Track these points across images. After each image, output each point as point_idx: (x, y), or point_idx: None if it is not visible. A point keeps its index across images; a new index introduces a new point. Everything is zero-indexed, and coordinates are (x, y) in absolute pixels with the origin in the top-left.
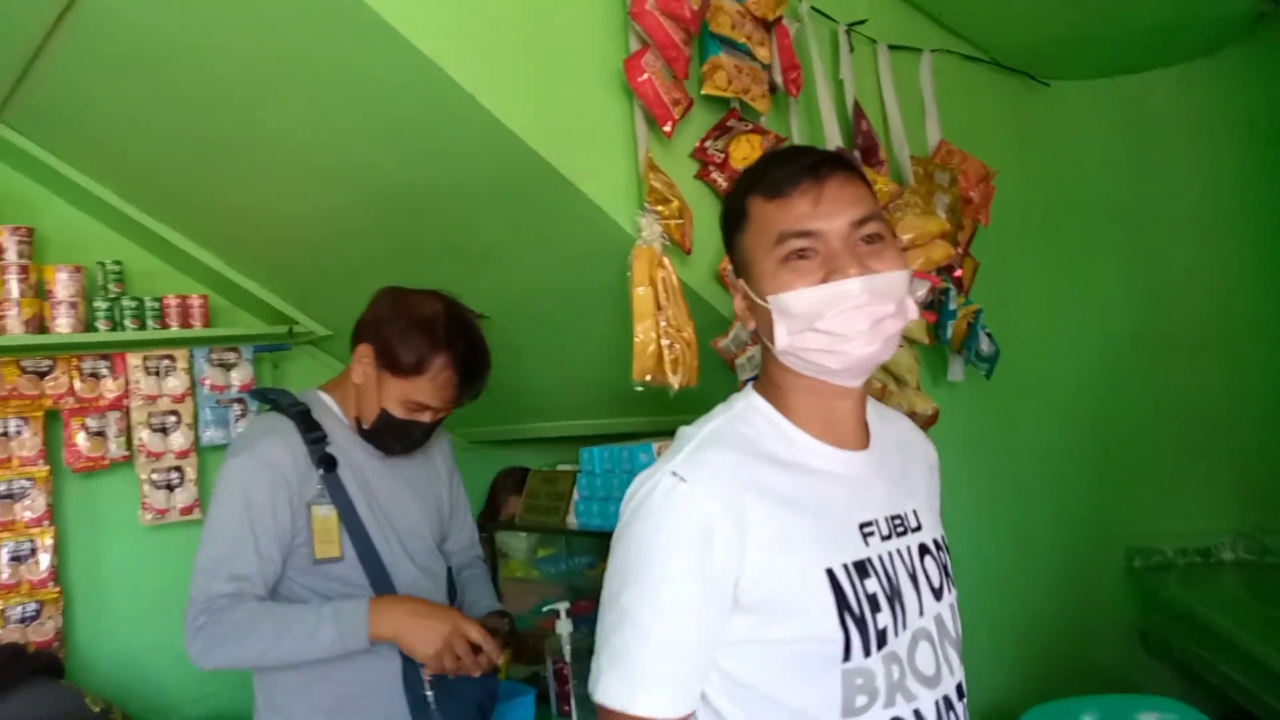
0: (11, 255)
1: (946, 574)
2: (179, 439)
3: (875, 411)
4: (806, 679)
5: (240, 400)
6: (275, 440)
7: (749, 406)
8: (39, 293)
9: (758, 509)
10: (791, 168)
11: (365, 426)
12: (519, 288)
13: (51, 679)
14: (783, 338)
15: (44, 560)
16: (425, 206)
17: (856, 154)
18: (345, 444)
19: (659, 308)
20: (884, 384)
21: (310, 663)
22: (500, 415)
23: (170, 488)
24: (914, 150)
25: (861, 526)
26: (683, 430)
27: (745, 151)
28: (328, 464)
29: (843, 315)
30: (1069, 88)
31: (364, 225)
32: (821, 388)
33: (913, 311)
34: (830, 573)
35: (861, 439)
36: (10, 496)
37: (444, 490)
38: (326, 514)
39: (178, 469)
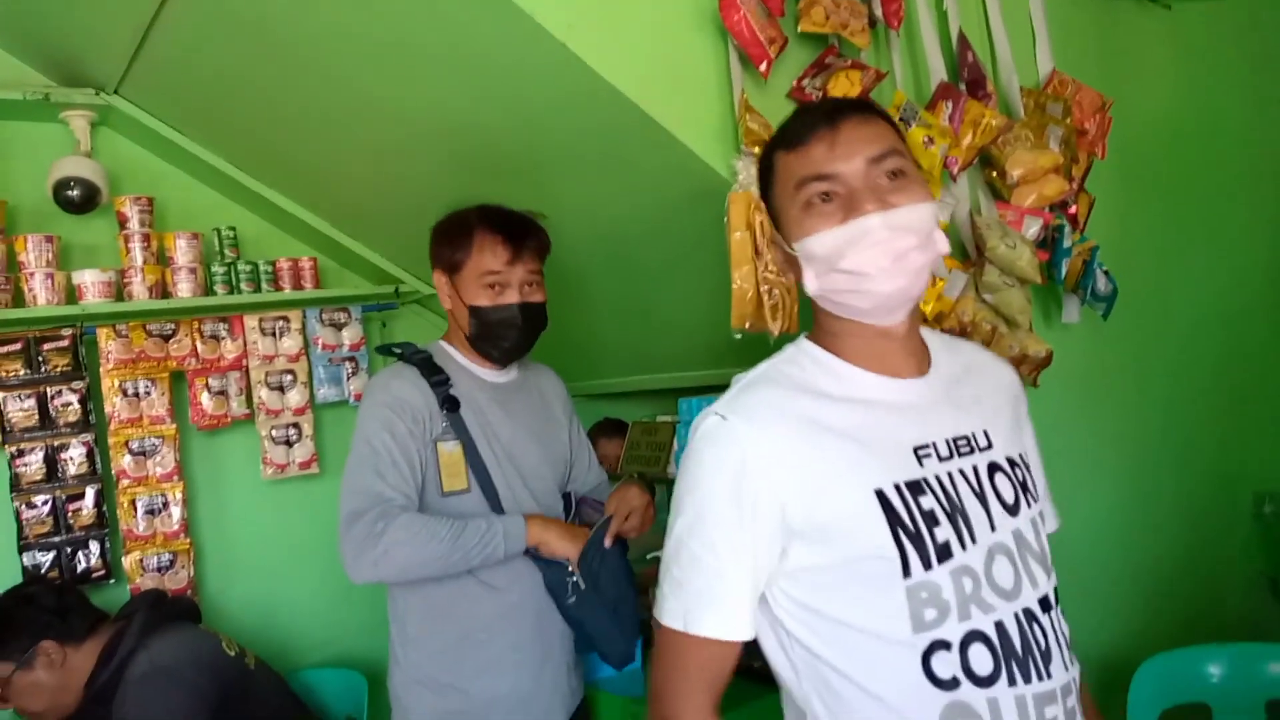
0: (134, 224)
1: (1024, 490)
2: (295, 397)
3: (941, 340)
4: (870, 598)
5: (352, 359)
6: (403, 383)
7: (798, 350)
8: (160, 259)
9: (802, 440)
10: (809, 117)
11: (471, 339)
12: (613, 240)
13: (191, 622)
14: (811, 282)
15: (175, 513)
16: (520, 163)
17: (962, 87)
18: (467, 388)
19: (757, 253)
20: (994, 325)
21: (444, 594)
22: (597, 369)
23: (289, 443)
24: (1024, 81)
25: (916, 449)
26: (736, 377)
27: (845, 88)
28: (451, 405)
29: (863, 253)
30: (1191, 10)
31: (461, 183)
32: (863, 329)
33: (942, 244)
34: (880, 493)
35: (917, 367)
36: (143, 453)
37: (563, 434)
38: (452, 450)
39: (295, 425)
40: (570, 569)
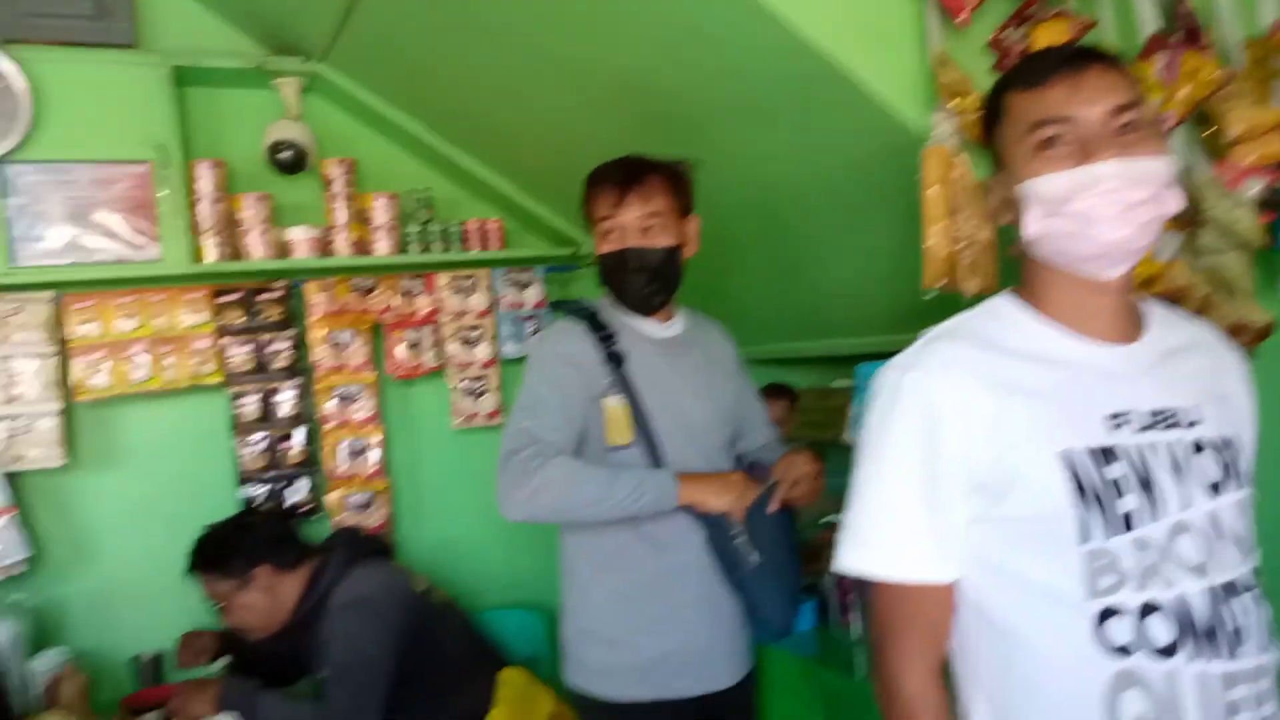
0: (339, 185)
1: (1232, 472)
2: (483, 351)
3: (1165, 313)
4: (1046, 556)
5: (533, 317)
6: (570, 337)
7: (992, 306)
8: (361, 219)
9: (985, 396)
10: (1050, 59)
11: (602, 282)
12: (788, 200)
13: (385, 558)
14: (1032, 224)
15: (373, 456)
16: (704, 120)
17: (1177, 37)
18: (632, 343)
19: (953, 209)
20: (1208, 292)
21: (612, 548)
22: (763, 334)
23: (476, 395)
24: (1245, 31)
25: (1113, 416)
26: (925, 331)
27: (1049, 39)
28: (616, 360)
29: (1093, 199)
30: None
31: (639, 144)
32: (1077, 282)
33: (1173, 203)
34: (1066, 455)
35: (1125, 333)
36: (346, 399)
37: (731, 390)
38: (616, 404)
39: (482, 378)
40: (733, 532)
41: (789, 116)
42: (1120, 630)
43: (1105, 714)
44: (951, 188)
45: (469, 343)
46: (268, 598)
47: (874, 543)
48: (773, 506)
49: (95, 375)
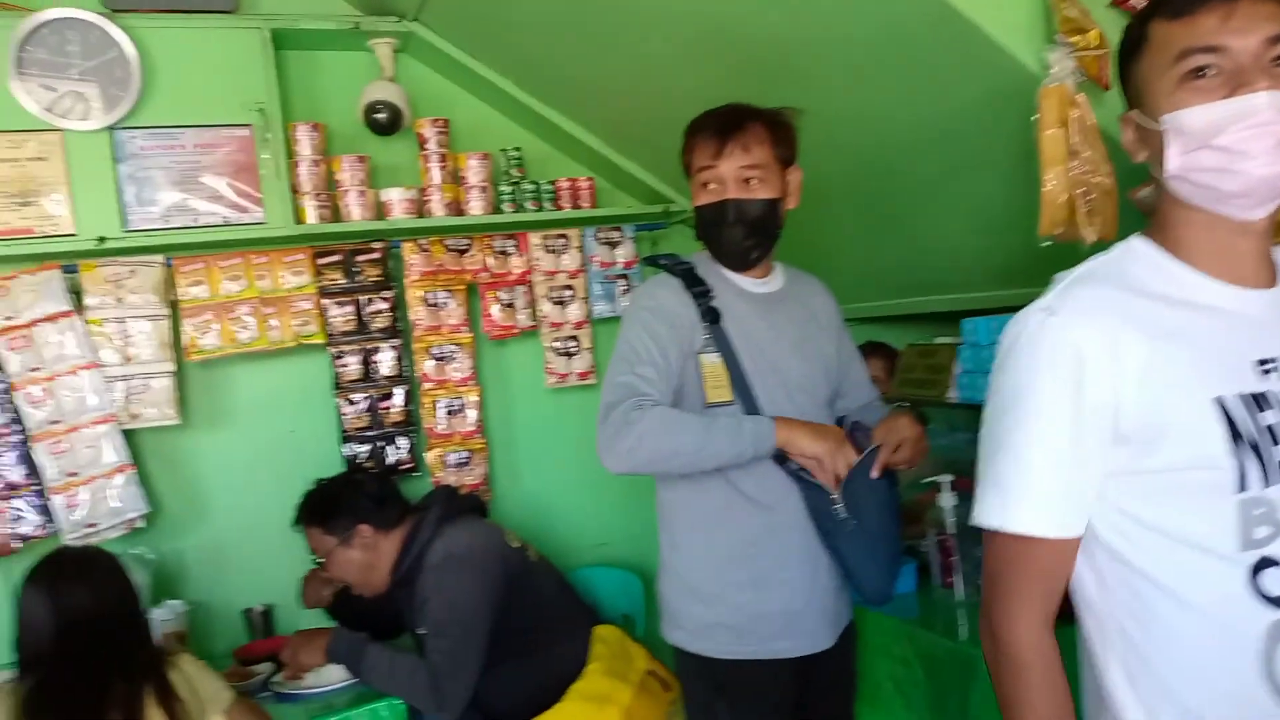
0: (433, 145)
1: None
2: (575, 311)
3: None
4: (1196, 508)
5: (624, 276)
6: (667, 292)
7: (1128, 249)
8: (455, 179)
9: (1135, 340)
10: None
11: (699, 235)
12: (896, 149)
13: (479, 516)
14: (1174, 159)
15: (470, 415)
16: (803, 67)
17: None
18: (729, 299)
19: (1072, 152)
20: None
21: (711, 506)
22: (864, 290)
23: (569, 355)
24: None
25: (1261, 362)
26: (1057, 276)
27: None
28: (712, 316)
29: (1244, 132)
30: None
31: (739, 97)
32: (1217, 222)
33: None
34: (1220, 402)
35: (1267, 277)
36: (443, 358)
37: (830, 347)
38: (714, 361)
39: (574, 338)
40: (833, 496)
41: (894, 60)
42: (1277, 581)
43: (1261, 666)
44: (1071, 129)
45: (561, 302)
46: (366, 556)
47: (1016, 497)
48: (875, 472)
49: (205, 336)
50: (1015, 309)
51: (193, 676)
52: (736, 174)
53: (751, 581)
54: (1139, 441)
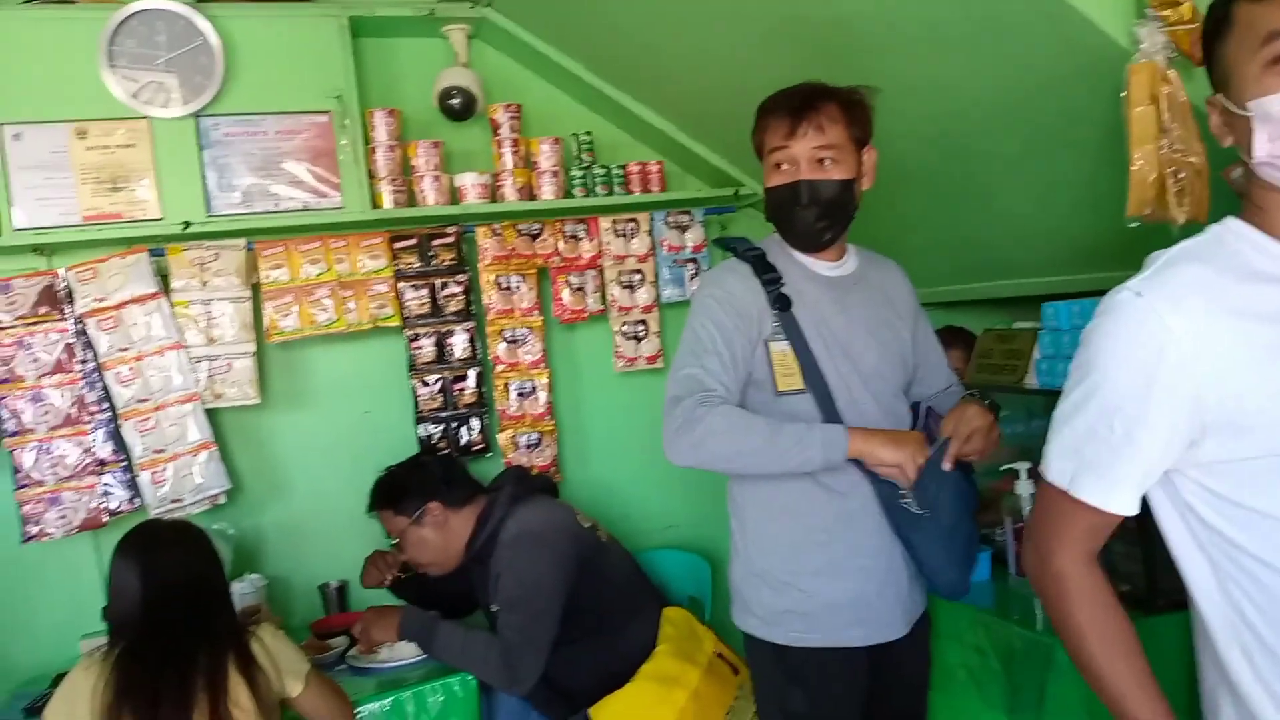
0: (505, 130)
1: None
2: (643, 295)
3: None
4: None
5: (693, 260)
6: (735, 279)
7: (1225, 229)
8: (527, 163)
9: (1228, 327)
10: None
11: (770, 217)
12: (974, 131)
13: (550, 496)
14: (1262, 146)
15: (541, 397)
16: (881, 42)
17: None
18: (802, 285)
19: (1162, 130)
20: None
21: (783, 494)
22: (943, 275)
23: (637, 339)
24: None
25: None
26: (1151, 256)
27: None
28: (782, 303)
29: None
30: None
31: (813, 74)
32: None
33: None
34: None
35: None
36: (515, 342)
37: (906, 333)
38: (784, 349)
39: (643, 322)
40: (901, 492)
41: (976, 35)
42: None
43: None
44: (1161, 106)
45: (630, 287)
46: (439, 534)
47: (1082, 466)
48: (947, 464)
49: (285, 318)
50: (1098, 293)
51: (272, 647)
52: (810, 154)
53: (824, 569)
54: (1231, 432)
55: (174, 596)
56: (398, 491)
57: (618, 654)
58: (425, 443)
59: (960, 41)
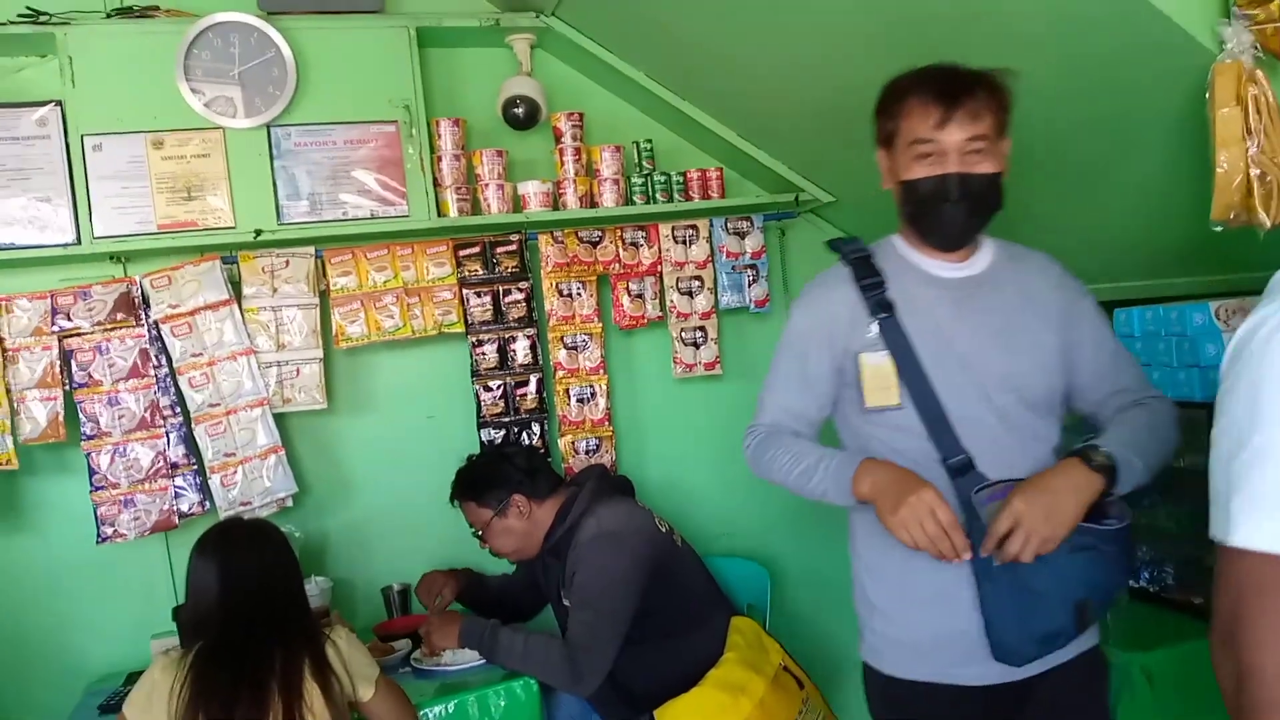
0: (568, 139)
1: None
2: (702, 302)
3: None
4: None
5: (753, 267)
6: (822, 292)
7: None
8: (588, 171)
9: None
10: None
11: (908, 219)
12: (1057, 130)
13: (630, 497)
14: None
15: (601, 403)
16: (956, 46)
17: None
18: (914, 290)
19: (1248, 132)
20: None
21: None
22: None
23: (696, 345)
24: None
25: None
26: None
27: None
28: (883, 308)
29: None
30: None
31: (890, 75)
32: None
33: None
34: None
35: None
36: (574, 347)
37: (1050, 336)
38: (878, 362)
39: (701, 329)
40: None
41: (1058, 37)
42: None
43: None
44: (1247, 108)
45: (689, 293)
46: (523, 524)
47: (1264, 514)
48: (985, 550)
49: (352, 324)
50: (1174, 299)
51: (345, 651)
52: (961, 145)
53: (932, 598)
54: None
55: (251, 597)
56: (481, 483)
57: (685, 658)
58: (505, 439)
59: (1038, 40)
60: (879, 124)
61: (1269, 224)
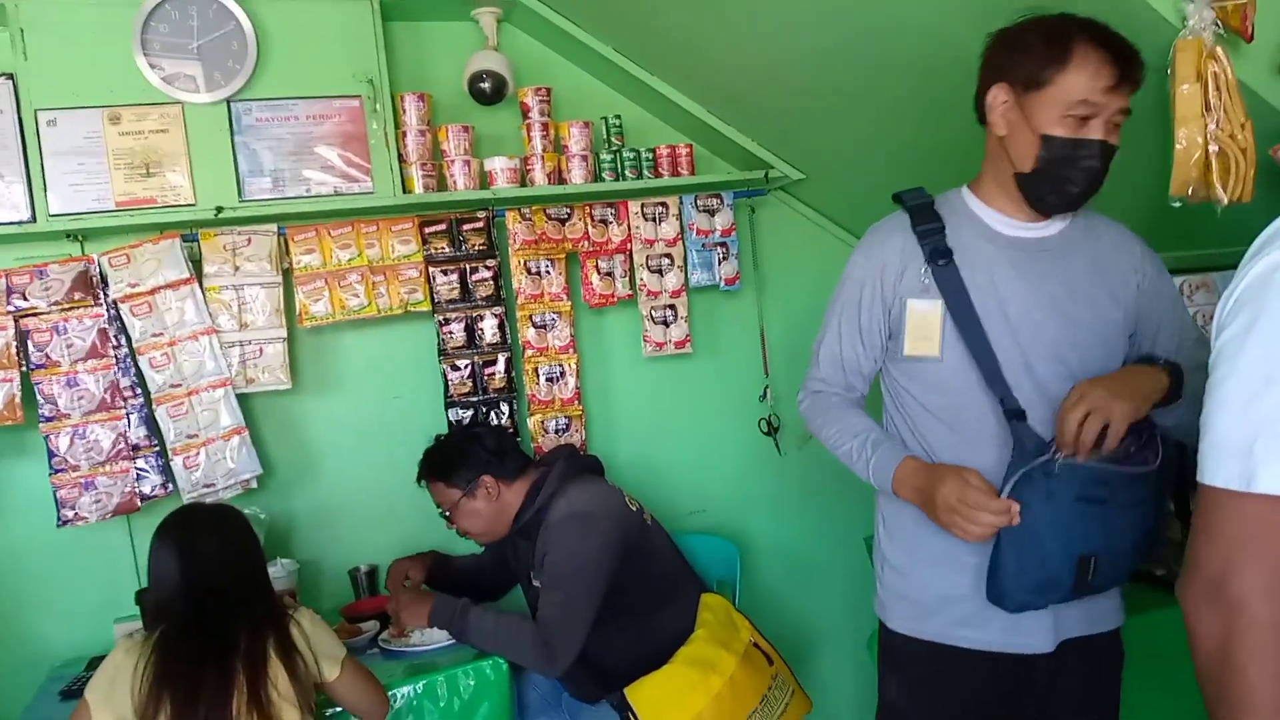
0: (535, 114)
1: None
2: (672, 280)
3: None
4: None
5: (723, 244)
6: (879, 237)
7: None
8: (556, 147)
9: None
10: None
11: (1027, 176)
12: None
13: (599, 476)
14: None
15: (570, 382)
16: (915, 23)
17: None
18: (975, 243)
19: (1208, 109)
20: None
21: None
22: None
23: (666, 324)
24: None
25: None
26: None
27: None
28: (939, 256)
29: None
30: None
31: (859, 52)
32: None
33: None
34: None
35: None
36: (543, 326)
37: (1115, 313)
38: (925, 309)
39: (671, 307)
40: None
41: (1017, 9)
42: None
43: None
44: (1207, 84)
45: (659, 271)
46: (491, 506)
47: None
48: (1063, 449)
49: (316, 303)
50: None
51: (310, 632)
52: (1113, 114)
53: (941, 558)
54: None
55: (215, 580)
56: (449, 464)
57: (655, 636)
58: (472, 420)
59: (1001, 9)
60: (1017, 61)
61: (1226, 200)
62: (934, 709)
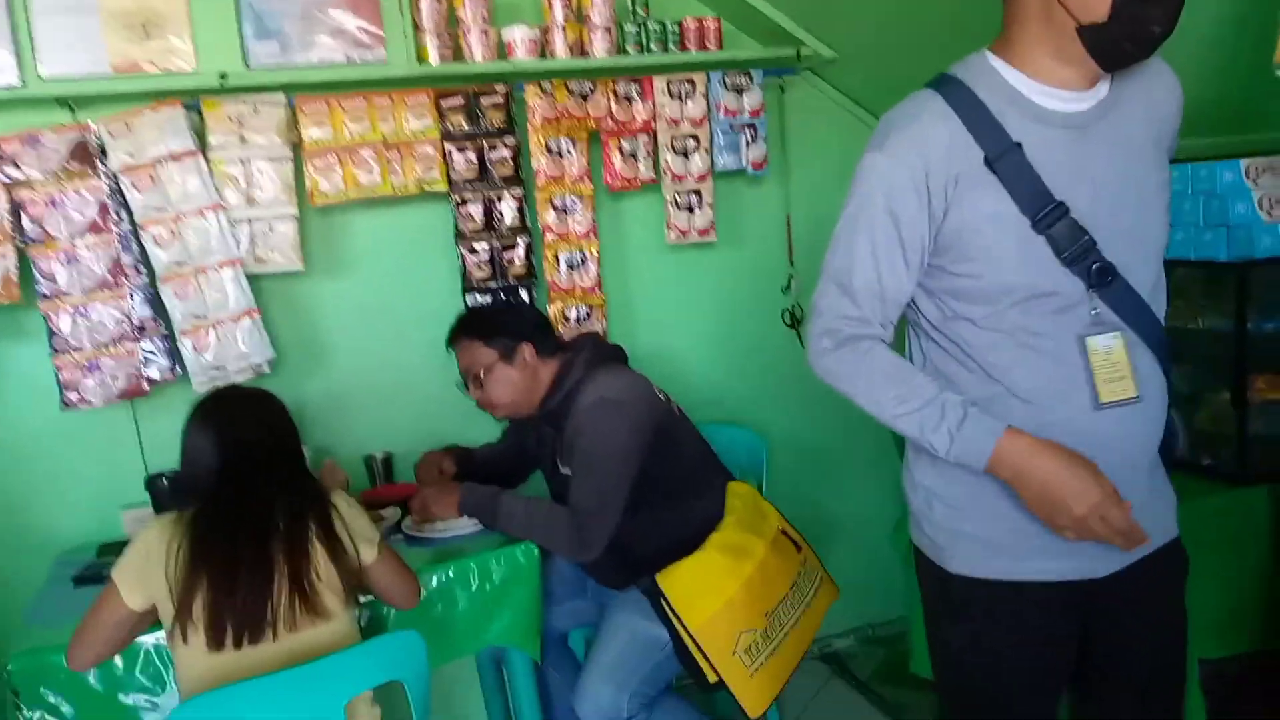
0: None
1: None
2: (697, 163)
3: None
4: None
5: (751, 125)
6: (913, 130)
7: None
8: (578, 16)
9: None
10: None
11: (1102, 23)
12: None
13: (625, 365)
14: None
15: (591, 269)
16: None
17: None
18: (1019, 125)
19: None
20: None
21: (969, 399)
22: None
23: (690, 210)
24: None
25: None
26: None
27: None
28: (1007, 151)
29: None
30: None
31: None
32: None
33: None
34: None
35: None
36: (564, 210)
37: (1167, 171)
38: (1108, 346)
39: (696, 192)
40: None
41: None
42: None
43: None
44: None
45: (685, 154)
46: (525, 377)
47: None
48: None
49: (328, 180)
50: (1223, 158)
51: (346, 514)
52: None
53: (977, 495)
54: None
55: (252, 461)
56: (494, 325)
57: (685, 523)
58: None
59: None
60: None
61: None
62: (1011, 655)
